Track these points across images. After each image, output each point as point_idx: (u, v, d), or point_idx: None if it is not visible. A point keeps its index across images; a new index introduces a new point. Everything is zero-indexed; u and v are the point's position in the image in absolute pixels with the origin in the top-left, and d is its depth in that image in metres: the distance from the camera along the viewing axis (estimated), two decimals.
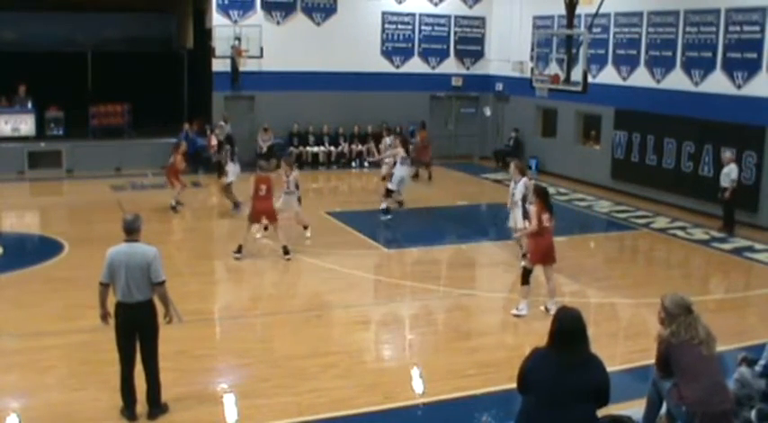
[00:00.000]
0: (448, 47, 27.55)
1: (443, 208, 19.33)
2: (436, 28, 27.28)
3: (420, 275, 14.12)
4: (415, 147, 21.51)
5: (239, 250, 14.81)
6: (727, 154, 17.80)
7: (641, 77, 21.59)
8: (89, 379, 9.27)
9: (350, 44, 25.76)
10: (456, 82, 27.59)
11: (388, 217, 18.19)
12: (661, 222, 18.90)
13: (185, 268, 14.44)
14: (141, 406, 8.39)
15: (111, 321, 8.28)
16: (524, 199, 14.19)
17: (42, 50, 26.73)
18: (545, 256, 12.08)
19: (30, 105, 23.75)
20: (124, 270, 8.06)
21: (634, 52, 21.83)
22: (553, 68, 22.47)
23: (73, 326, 10.95)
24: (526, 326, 11.93)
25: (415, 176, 20.04)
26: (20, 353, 10.16)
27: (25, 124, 23.51)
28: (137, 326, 8.22)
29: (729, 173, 17.38)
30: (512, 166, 14.93)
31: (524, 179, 14.34)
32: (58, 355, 10.07)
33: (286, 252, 14.83)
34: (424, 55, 27.24)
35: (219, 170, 21.16)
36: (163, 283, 8.24)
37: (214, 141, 24.01)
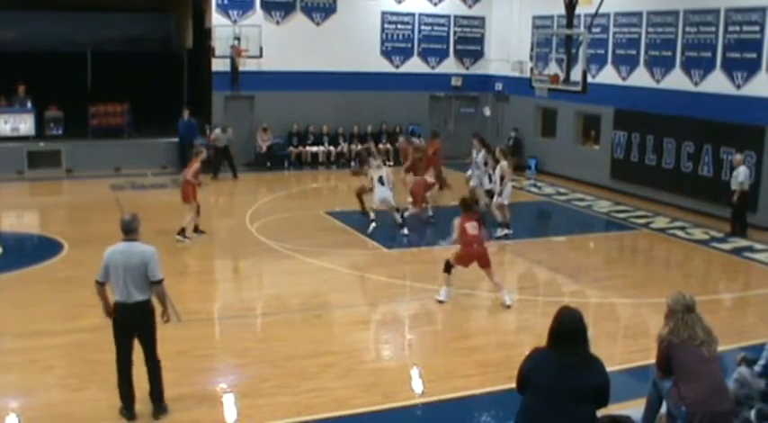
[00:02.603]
0: (447, 47, 27.55)
1: (442, 208, 19.30)
2: (436, 28, 27.27)
3: (419, 275, 14.12)
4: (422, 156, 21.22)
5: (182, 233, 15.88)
6: (737, 156, 17.58)
7: (641, 77, 21.59)
8: (89, 379, 9.27)
9: (349, 44, 25.76)
10: (456, 82, 27.60)
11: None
12: (660, 222, 18.90)
13: (185, 268, 14.46)
14: (140, 405, 8.39)
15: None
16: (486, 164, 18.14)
17: (42, 50, 26.75)
18: (474, 261, 12.48)
19: (29, 105, 23.73)
20: (122, 269, 8.07)
21: (633, 52, 21.83)
22: (553, 68, 22.50)
23: (73, 325, 10.96)
24: (525, 326, 11.96)
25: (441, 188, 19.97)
26: (20, 353, 10.17)
27: (25, 124, 23.49)
28: (135, 325, 8.23)
29: (737, 176, 17.16)
30: (497, 150, 17.27)
31: (503, 162, 16.70)
32: (58, 354, 10.07)
33: (181, 232, 15.82)
34: (424, 55, 27.24)
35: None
36: (161, 281, 8.25)
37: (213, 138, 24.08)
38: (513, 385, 6.19)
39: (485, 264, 12.43)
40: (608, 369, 6.14)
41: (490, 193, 18.25)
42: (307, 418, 8.49)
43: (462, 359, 10.30)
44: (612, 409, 6.97)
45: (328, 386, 9.31)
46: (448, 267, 12.52)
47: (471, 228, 12.34)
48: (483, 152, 19.28)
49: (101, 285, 8.26)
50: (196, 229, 16.34)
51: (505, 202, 16.64)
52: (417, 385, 9.76)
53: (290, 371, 9.74)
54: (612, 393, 6.05)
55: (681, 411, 6.89)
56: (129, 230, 8.30)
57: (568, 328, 5.98)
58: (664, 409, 7.41)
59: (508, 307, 12.34)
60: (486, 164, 19.08)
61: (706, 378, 6.86)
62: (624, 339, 11.61)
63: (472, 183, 19.35)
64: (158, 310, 8.41)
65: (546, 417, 5.90)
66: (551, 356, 5.99)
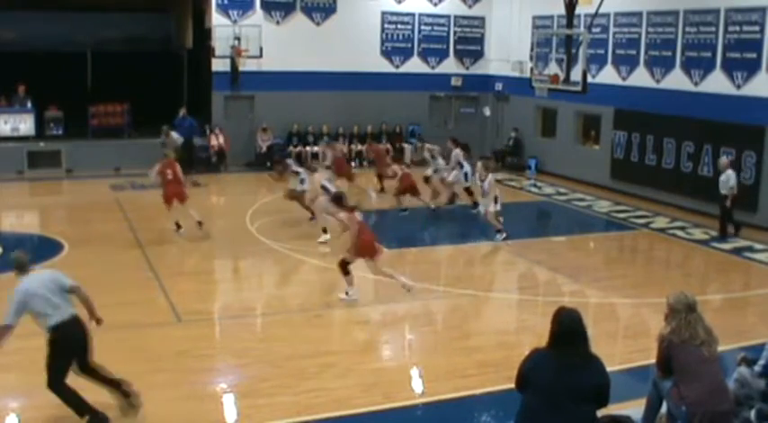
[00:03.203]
0: (447, 47, 27.54)
1: (442, 207, 19.32)
2: (436, 28, 27.27)
3: (419, 275, 14.10)
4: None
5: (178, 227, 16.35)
6: (724, 159, 17.55)
7: (641, 77, 21.59)
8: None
9: (349, 44, 25.75)
10: (455, 82, 27.59)
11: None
12: (660, 222, 18.90)
13: (185, 268, 14.46)
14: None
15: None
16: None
17: (42, 50, 26.72)
18: (367, 252, 12.55)
19: (29, 105, 23.72)
20: (50, 293, 8.02)
21: (633, 52, 21.83)
22: (553, 68, 22.50)
23: None
24: (525, 326, 11.97)
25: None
26: (20, 353, 10.10)
27: (25, 124, 23.48)
28: (82, 339, 8.14)
29: (728, 180, 17.03)
30: (479, 165, 17.30)
31: (491, 176, 16.75)
32: None
33: (200, 224, 16.25)
34: (424, 55, 27.23)
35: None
36: (78, 286, 8.25)
37: (214, 141, 24.12)
38: (513, 385, 6.19)
39: (374, 252, 12.57)
40: (608, 369, 6.14)
41: (468, 191, 19.07)
42: (307, 418, 8.48)
43: (462, 359, 10.29)
44: (612, 409, 6.97)
45: (328, 386, 9.30)
46: (345, 268, 12.51)
47: (359, 215, 12.72)
48: (456, 151, 19.73)
49: (8, 329, 8.03)
50: (179, 226, 16.48)
51: (498, 210, 16.61)
52: (417, 385, 9.77)
53: (290, 371, 9.74)
54: (612, 393, 6.05)
55: (681, 411, 6.89)
56: (25, 265, 8.28)
57: (568, 329, 5.99)
58: (664, 409, 7.41)
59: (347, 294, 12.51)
60: (459, 163, 19.52)
61: (706, 378, 6.87)
62: (624, 339, 11.61)
63: (451, 178, 19.68)
64: (89, 317, 8.31)
65: (546, 417, 5.91)
66: (551, 356, 6.00)
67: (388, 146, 24.06)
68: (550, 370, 5.92)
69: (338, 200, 13.17)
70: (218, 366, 10.17)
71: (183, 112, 23.87)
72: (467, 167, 19.26)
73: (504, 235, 16.50)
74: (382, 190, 20.32)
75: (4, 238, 16.13)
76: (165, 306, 12.03)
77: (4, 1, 25.69)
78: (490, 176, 16.71)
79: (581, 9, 20.75)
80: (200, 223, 16.25)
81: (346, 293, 12.53)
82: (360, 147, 25.79)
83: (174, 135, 22.50)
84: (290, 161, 18.77)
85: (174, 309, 11.90)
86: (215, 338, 11.45)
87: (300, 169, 17.84)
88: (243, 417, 8.64)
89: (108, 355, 8.52)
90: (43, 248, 15.37)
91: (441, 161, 19.97)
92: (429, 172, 20.18)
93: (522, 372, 6.10)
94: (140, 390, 8.42)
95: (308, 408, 8.69)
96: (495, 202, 16.53)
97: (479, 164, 17.38)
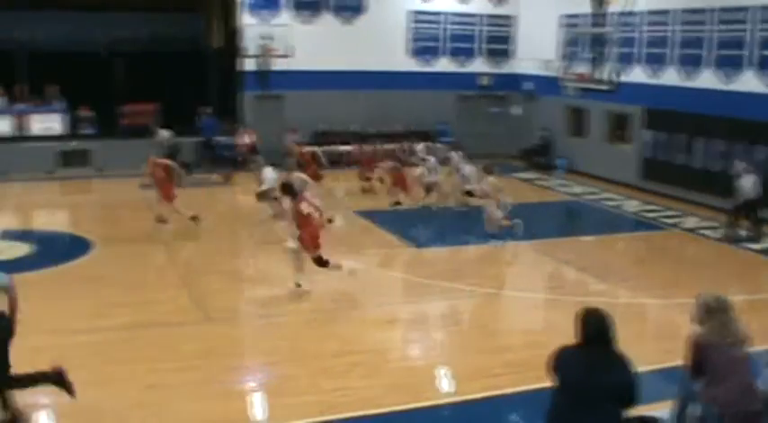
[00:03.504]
0: (476, 46, 27.49)
1: (470, 207, 19.28)
2: (464, 27, 27.24)
3: (447, 274, 14.09)
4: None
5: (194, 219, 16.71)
6: (739, 165, 17.02)
7: (670, 76, 21.41)
8: (118, 376, 9.34)
9: (378, 43, 25.79)
10: (484, 81, 27.53)
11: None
12: (690, 222, 18.74)
13: (211, 267, 14.51)
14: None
15: None
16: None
17: (73, 50, 27.00)
18: (320, 240, 12.75)
19: (61, 105, 23.99)
20: None
21: (663, 51, 21.66)
22: (581, 67, 22.39)
23: (102, 324, 11.01)
24: (553, 325, 11.90)
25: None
26: (50, 350, 10.21)
27: (56, 123, 23.78)
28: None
29: (747, 185, 16.60)
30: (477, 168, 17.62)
31: (489, 178, 16.96)
32: (88, 352, 10.14)
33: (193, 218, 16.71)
34: (452, 54, 27.21)
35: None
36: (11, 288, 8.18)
37: (244, 140, 24.22)
38: (543, 385, 6.17)
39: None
40: (637, 370, 6.09)
41: (469, 193, 18.79)
42: (332, 417, 8.47)
43: (491, 358, 10.26)
44: (641, 410, 6.91)
45: (354, 385, 9.31)
46: (322, 263, 12.70)
47: (305, 207, 12.68)
48: (452, 153, 19.94)
49: None
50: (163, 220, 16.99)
51: (503, 215, 16.68)
52: (445, 385, 9.74)
53: (316, 370, 9.75)
54: (641, 394, 6.01)
55: (711, 412, 6.84)
56: None
57: (595, 328, 5.97)
58: (694, 409, 7.35)
59: (298, 286, 12.82)
60: (456, 167, 19.54)
61: (737, 378, 6.81)
62: (653, 340, 11.51)
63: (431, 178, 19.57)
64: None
65: (574, 416, 5.89)
66: (579, 355, 5.99)
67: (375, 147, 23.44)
68: (578, 368, 5.90)
69: (286, 189, 13.12)
70: (245, 365, 10.22)
71: (205, 112, 24.01)
72: (465, 170, 19.07)
73: (517, 221, 16.55)
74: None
75: (35, 237, 16.33)
76: (194, 304, 12.10)
77: (35, 2, 25.95)
78: (488, 178, 16.69)
79: (610, 7, 20.62)
80: (162, 219, 16.80)
81: (350, 272, 13.00)
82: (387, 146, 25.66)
83: (162, 132, 22.72)
84: (257, 158, 19.16)
85: (202, 307, 11.96)
86: (242, 337, 11.50)
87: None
88: (270, 415, 8.66)
89: (137, 352, 8.59)
90: (73, 247, 15.54)
91: (432, 159, 19.89)
92: (419, 171, 20.02)
93: (552, 367, 6.10)
94: (170, 388, 8.46)
95: (334, 407, 8.69)
96: (498, 205, 16.49)
97: (481, 167, 17.50)
